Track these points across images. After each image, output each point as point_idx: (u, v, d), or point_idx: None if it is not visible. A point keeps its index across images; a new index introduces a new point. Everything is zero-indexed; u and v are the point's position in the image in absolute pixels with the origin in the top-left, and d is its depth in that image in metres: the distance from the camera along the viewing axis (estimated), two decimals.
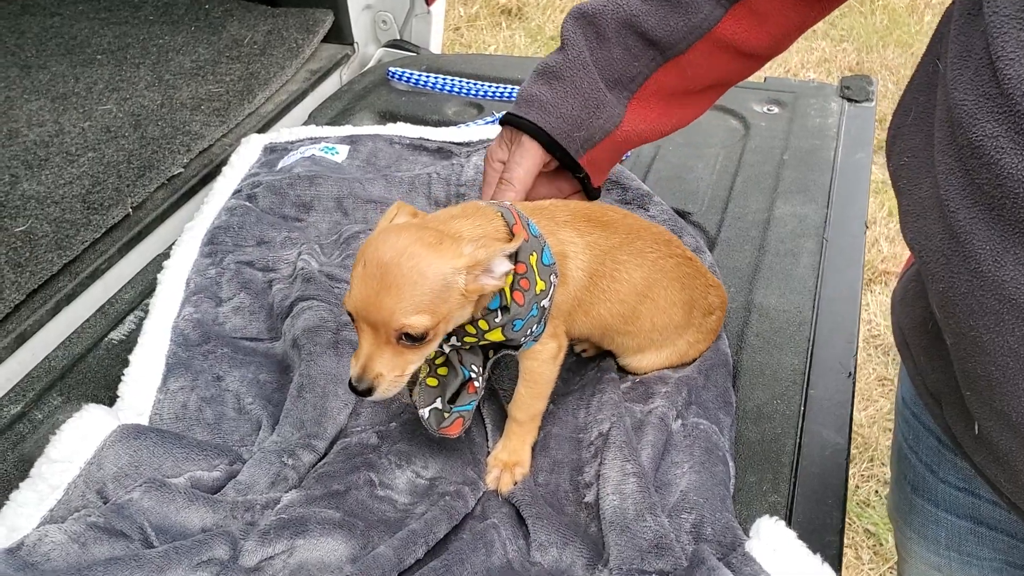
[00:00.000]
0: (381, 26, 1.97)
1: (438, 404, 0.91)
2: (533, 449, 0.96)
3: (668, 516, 0.86)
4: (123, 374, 1.05)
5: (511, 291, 0.83)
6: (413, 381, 0.95)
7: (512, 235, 0.83)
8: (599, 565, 0.83)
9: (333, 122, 1.64)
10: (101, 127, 1.56)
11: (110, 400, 1.03)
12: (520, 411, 0.94)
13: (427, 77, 1.76)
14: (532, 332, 0.87)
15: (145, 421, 0.99)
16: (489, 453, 0.97)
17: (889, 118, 0.78)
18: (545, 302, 0.85)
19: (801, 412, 1.02)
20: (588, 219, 0.94)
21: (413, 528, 0.85)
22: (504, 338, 0.86)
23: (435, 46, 2.03)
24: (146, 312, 1.16)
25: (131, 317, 1.21)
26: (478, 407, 1.00)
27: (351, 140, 1.51)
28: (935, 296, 0.68)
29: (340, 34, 1.90)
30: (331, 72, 1.83)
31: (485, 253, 0.79)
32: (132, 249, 1.33)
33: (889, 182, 0.80)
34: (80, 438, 0.91)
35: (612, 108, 1.01)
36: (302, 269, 1.18)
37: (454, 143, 1.50)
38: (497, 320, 0.84)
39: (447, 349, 0.89)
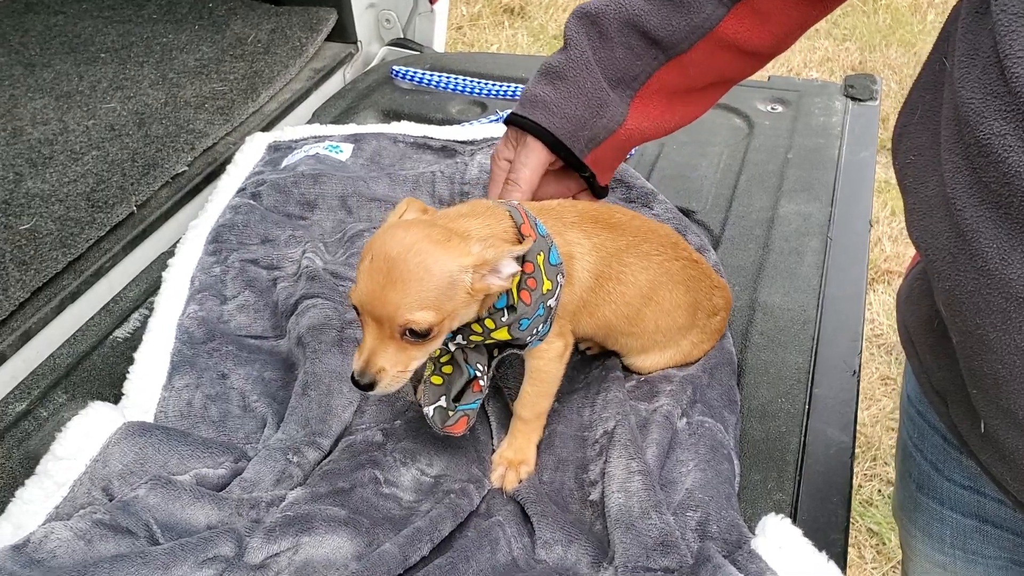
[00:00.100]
0: (384, 25, 1.97)
1: (443, 402, 0.91)
2: (538, 447, 0.96)
3: (673, 514, 0.86)
4: (128, 372, 1.05)
5: (518, 290, 0.83)
6: (418, 379, 0.95)
7: (520, 235, 0.83)
8: (604, 563, 0.83)
9: (337, 120, 1.65)
10: (105, 125, 1.56)
11: (115, 398, 1.03)
12: (525, 409, 0.94)
13: (431, 76, 1.76)
14: (538, 331, 0.87)
15: (150, 419, 1.00)
16: (494, 451, 0.97)
17: (892, 117, 0.78)
18: (551, 302, 0.86)
19: (805, 410, 1.02)
20: (595, 220, 0.94)
21: (418, 526, 0.85)
22: (510, 337, 0.86)
23: (438, 45, 2.03)
24: (151, 310, 1.16)
25: (136, 315, 1.21)
26: (483, 405, 1.00)
27: (355, 138, 1.51)
28: (941, 294, 0.68)
29: (344, 33, 1.90)
30: (335, 71, 1.83)
31: (493, 253, 0.79)
32: (137, 247, 1.34)
33: (893, 181, 0.80)
34: (85, 435, 0.91)
35: (615, 107, 1.01)
36: (307, 267, 1.19)
37: (458, 141, 1.50)
38: (503, 319, 0.84)
39: (452, 347, 0.89)
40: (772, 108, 1.65)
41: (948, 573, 1.01)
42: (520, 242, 0.82)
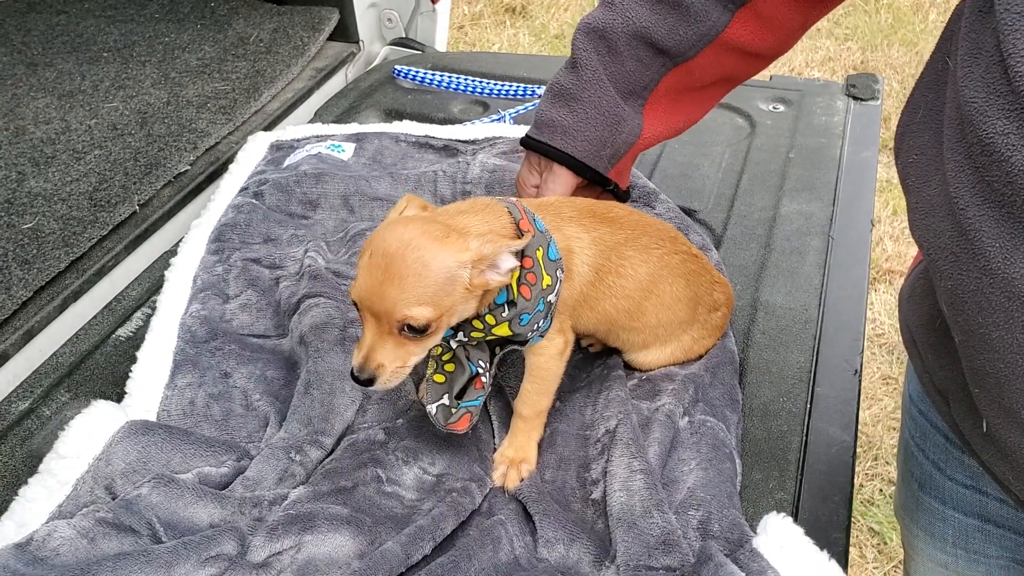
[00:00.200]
0: (386, 24, 1.97)
1: (445, 400, 0.91)
2: (540, 446, 0.96)
3: (675, 513, 0.86)
4: (131, 371, 1.05)
5: (518, 285, 0.83)
6: (420, 378, 0.95)
7: (519, 231, 0.83)
8: (606, 561, 0.84)
9: (339, 120, 1.65)
10: (107, 125, 1.57)
11: (118, 396, 1.03)
12: (526, 407, 0.94)
13: (432, 75, 1.76)
14: (538, 327, 0.87)
15: (153, 417, 1.00)
16: (496, 450, 0.97)
17: (894, 117, 0.78)
18: (551, 297, 0.86)
19: (807, 410, 1.02)
20: (593, 215, 0.94)
21: (420, 524, 0.85)
22: (511, 333, 0.86)
23: (440, 44, 2.03)
24: (153, 309, 1.16)
25: (138, 314, 1.22)
26: (485, 404, 1.00)
27: (357, 138, 1.51)
28: (943, 293, 0.68)
29: (346, 32, 1.90)
30: (337, 70, 1.83)
31: (491, 248, 0.79)
32: (139, 246, 1.34)
33: (894, 180, 0.80)
34: (88, 434, 0.91)
35: (631, 120, 1.03)
36: (309, 266, 1.19)
37: (460, 141, 1.50)
38: (504, 314, 0.84)
39: (454, 345, 0.90)
40: (774, 108, 1.65)
41: (950, 572, 1.01)
42: (519, 238, 0.83)
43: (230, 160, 1.48)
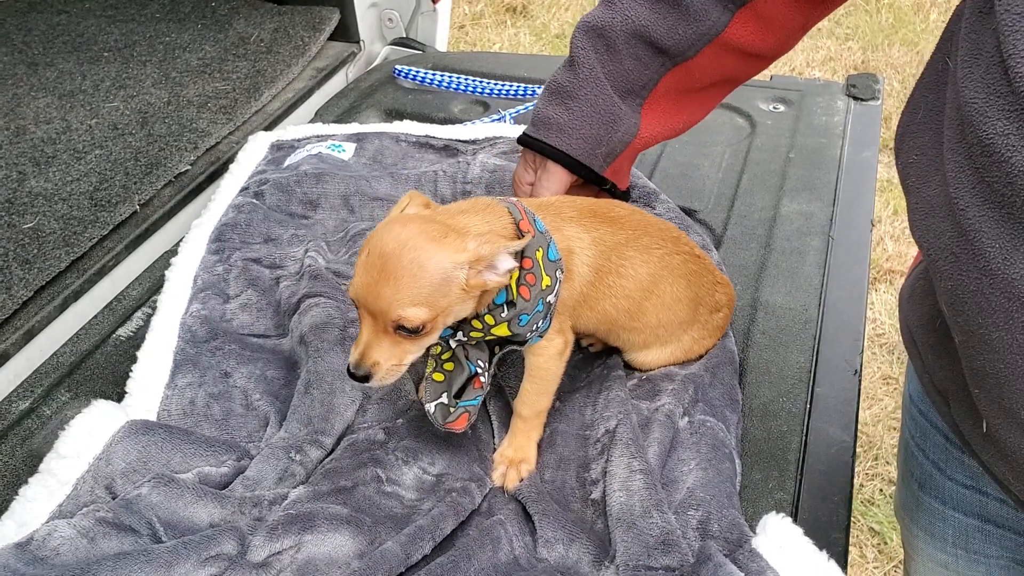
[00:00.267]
0: (387, 24, 1.97)
1: (444, 399, 0.91)
2: (540, 446, 0.96)
3: (675, 513, 0.86)
4: (131, 370, 1.05)
5: (517, 286, 0.83)
6: (420, 377, 0.95)
7: (519, 231, 0.83)
8: (605, 561, 0.84)
9: (339, 120, 1.65)
10: (108, 124, 1.57)
11: (118, 396, 1.03)
12: (525, 407, 0.94)
13: (433, 75, 1.76)
14: (538, 327, 0.87)
15: (153, 417, 1.00)
16: (495, 450, 0.97)
17: (894, 117, 0.78)
18: (551, 297, 0.86)
19: (807, 410, 1.02)
20: (594, 215, 0.94)
21: (420, 524, 0.85)
22: (510, 333, 0.86)
23: (441, 44, 2.03)
24: (154, 309, 1.16)
25: (139, 314, 1.22)
26: (484, 404, 1.00)
27: (357, 138, 1.51)
28: (943, 294, 0.68)
29: (346, 32, 1.90)
30: (337, 70, 1.83)
31: (489, 249, 0.79)
32: (140, 246, 1.34)
33: (895, 180, 0.80)
34: (89, 434, 0.91)
35: (628, 119, 1.02)
36: (309, 266, 1.19)
37: (460, 141, 1.50)
38: (503, 315, 0.84)
39: (453, 344, 0.90)
40: (774, 108, 1.65)
41: (950, 572, 1.01)
42: (519, 238, 0.83)
43: (231, 160, 1.48)
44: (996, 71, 0.57)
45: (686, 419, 0.97)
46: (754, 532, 0.84)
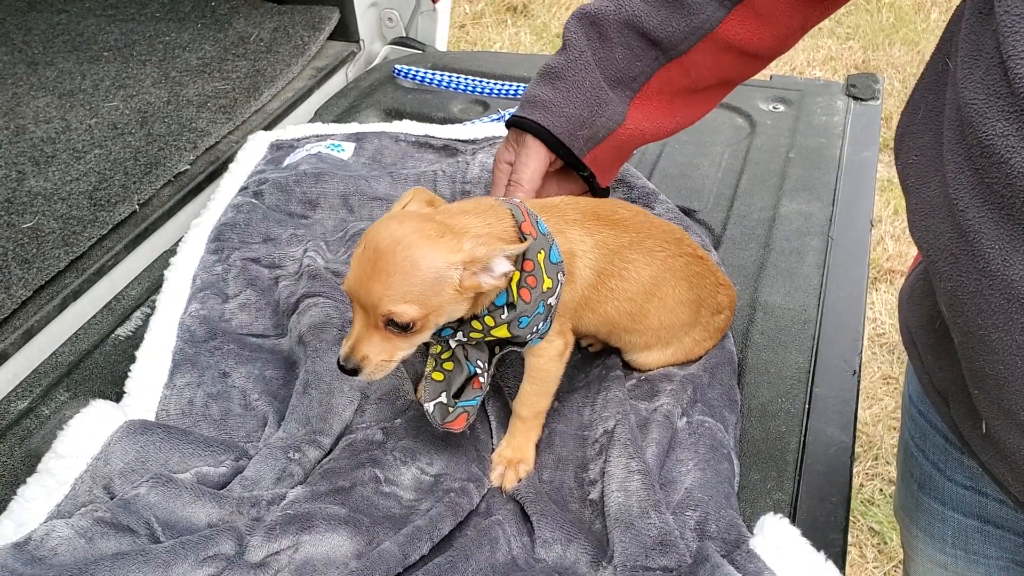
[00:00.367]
0: (387, 23, 1.97)
1: (443, 399, 0.91)
2: (537, 446, 0.96)
3: (673, 513, 0.86)
4: (130, 370, 1.05)
5: (518, 288, 0.83)
6: (419, 377, 0.95)
7: (521, 233, 0.83)
8: (603, 562, 0.83)
9: (339, 119, 1.65)
10: (108, 124, 1.57)
11: (117, 396, 1.03)
12: (524, 408, 0.94)
13: (433, 74, 1.76)
14: (538, 329, 0.87)
15: (151, 417, 1.00)
16: (494, 450, 0.97)
17: (895, 116, 0.78)
18: (552, 300, 0.86)
19: (806, 410, 1.02)
20: (598, 217, 0.94)
21: (418, 524, 0.85)
22: (510, 334, 0.86)
23: (441, 43, 2.03)
24: (153, 308, 1.16)
25: (138, 313, 1.22)
26: (483, 404, 1.00)
27: (357, 137, 1.51)
28: (943, 295, 0.68)
29: (346, 31, 1.90)
30: (337, 69, 1.83)
31: (484, 251, 0.79)
32: (139, 246, 1.34)
33: (895, 180, 0.80)
34: (87, 434, 0.91)
35: (614, 107, 1.01)
36: (308, 266, 1.19)
37: (459, 140, 1.50)
38: (503, 316, 0.84)
39: (453, 344, 0.90)
40: (774, 107, 1.64)
41: (949, 573, 1.01)
42: (521, 241, 0.82)
43: (230, 159, 1.48)
44: (996, 72, 0.57)
45: (684, 419, 0.97)
46: (752, 533, 0.83)
